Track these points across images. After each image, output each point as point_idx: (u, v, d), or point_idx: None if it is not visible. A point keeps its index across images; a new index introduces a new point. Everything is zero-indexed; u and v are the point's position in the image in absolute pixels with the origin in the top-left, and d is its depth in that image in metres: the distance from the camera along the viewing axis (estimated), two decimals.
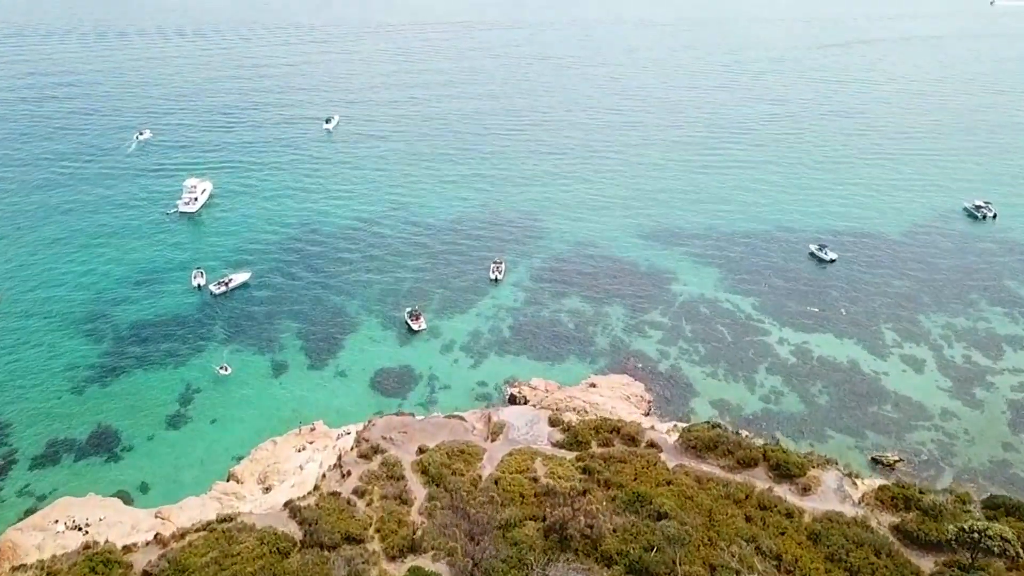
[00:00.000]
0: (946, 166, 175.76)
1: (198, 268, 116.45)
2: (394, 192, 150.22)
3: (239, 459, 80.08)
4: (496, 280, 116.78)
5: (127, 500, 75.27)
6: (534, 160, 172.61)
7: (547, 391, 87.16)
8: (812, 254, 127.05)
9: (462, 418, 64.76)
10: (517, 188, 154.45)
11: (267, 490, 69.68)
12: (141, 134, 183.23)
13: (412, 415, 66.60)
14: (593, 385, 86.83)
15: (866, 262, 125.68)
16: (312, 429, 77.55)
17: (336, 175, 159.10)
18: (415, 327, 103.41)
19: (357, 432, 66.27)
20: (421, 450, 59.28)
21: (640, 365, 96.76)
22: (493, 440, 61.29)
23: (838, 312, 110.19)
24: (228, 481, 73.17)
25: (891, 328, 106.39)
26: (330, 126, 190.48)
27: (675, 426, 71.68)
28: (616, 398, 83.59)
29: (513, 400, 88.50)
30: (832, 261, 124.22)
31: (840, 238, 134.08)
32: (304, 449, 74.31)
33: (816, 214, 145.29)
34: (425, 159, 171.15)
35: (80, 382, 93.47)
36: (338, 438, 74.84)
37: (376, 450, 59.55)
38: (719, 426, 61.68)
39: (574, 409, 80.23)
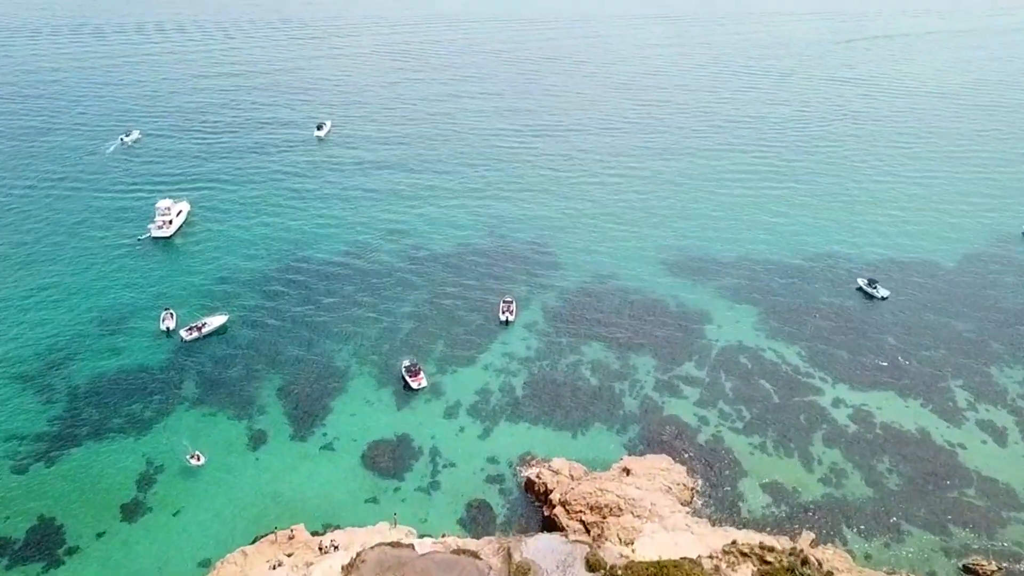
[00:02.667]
0: (1001, 181, 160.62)
1: (167, 309, 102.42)
2: (390, 213, 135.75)
3: (205, 564, 66.94)
4: (507, 322, 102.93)
5: None
6: (545, 173, 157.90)
7: (572, 478, 73.55)
8: (860, 289, 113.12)
9: (475, 554, 51.06)
10: (527, 207, 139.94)
11: None
12: (128, 135, 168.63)
13: (411, 547, 52.85)
14: (627, 471, 73.16)
15: (921, 300, 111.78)
16: (291, 537, 64.01)
17: (326, 194, 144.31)
18: (414, 385, 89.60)
19: (343, 569, 52.51)
20: None
21: (677, 437, 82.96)
22: None
23: (898, 365, 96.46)
24: None
25: (961, 385, 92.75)
26: (322, 133, 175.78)
27: (733, 545, 58.06)
28: (655, 490, 69.95)
29: (530, 486, 74.96)
30: (884, 299, 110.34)
31: (888, 268, 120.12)
32: (280, 565, 60.74)
33: (859, 237, 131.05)
34: (424, 171, 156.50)
35: (24, 458, 79.83)
36: (321, 551, 61.32)
37: None
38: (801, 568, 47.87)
39: (608, 508, 66.74)
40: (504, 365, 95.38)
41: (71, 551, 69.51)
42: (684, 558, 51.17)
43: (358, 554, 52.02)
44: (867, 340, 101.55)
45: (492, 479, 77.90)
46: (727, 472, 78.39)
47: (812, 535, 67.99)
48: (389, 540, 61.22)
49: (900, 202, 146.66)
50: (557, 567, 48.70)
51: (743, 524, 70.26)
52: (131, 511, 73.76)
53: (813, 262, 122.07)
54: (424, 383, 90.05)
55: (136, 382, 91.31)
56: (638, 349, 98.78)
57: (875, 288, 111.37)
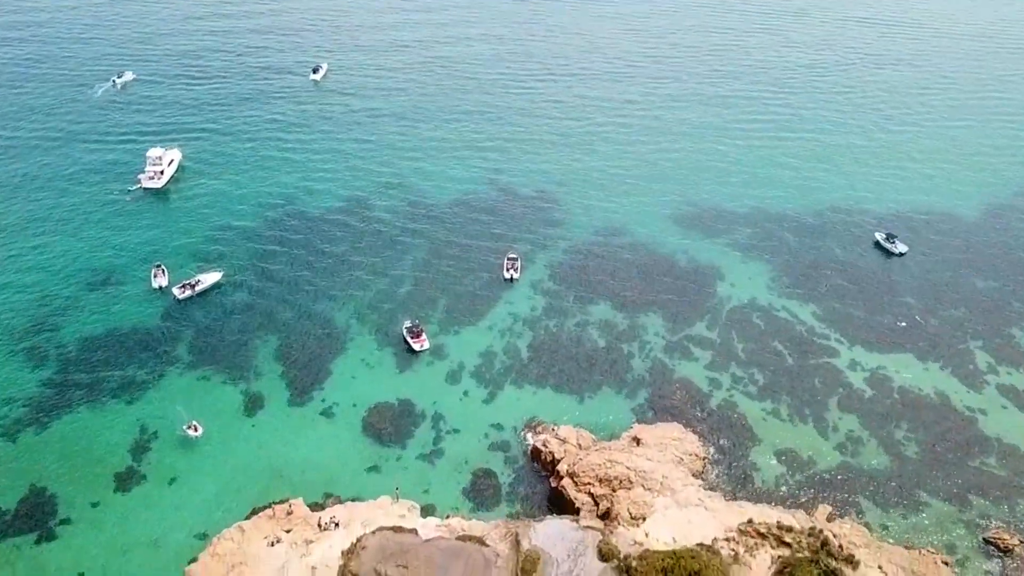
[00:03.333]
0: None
1: (158, 265, 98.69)
2: (390, 163, 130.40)
3: (202, 537, 64.87)
4: (511, 280, 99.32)
5: None
6: (548, 122, 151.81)
7: (580, 446, 70.99)
8: (878, 244, 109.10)
9: (481, 541, 48.50)
10: (530, 158, 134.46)
11: None
12: (120, 76, 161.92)
13: (414, 532, 50.28)
14: (637, 441, 70.53)
15: (941, 256, 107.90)
16: (289, 512, 61.65)
17: (323, 142, 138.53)
18: (416, 347, 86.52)
19: (343, 555, 50.02)
20: None
21: (688, 403, 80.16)
22: None
23: (917, 325, 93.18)
24: None
25: (982, 347, 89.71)
26: (318, 76, 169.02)
27: (749, 525, 55.56)
28: (667, 461, 67.38)
29: (537, 455, 72.49)
30: (902, 255, 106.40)
31: (907, 222, 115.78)
32: (278, 542, 58.55)
33: (877, 190, 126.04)
34: (424, 119, 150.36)
35: (13, 424, 77.31)
36: (320, 528, 59.00)
37: None
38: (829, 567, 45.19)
39: (618, 480, 64.24)
40: (508, 326, 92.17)
41: (64, 522, 67.51)
42: (701, 545, 48.67)
43: (359, 539, 49.54)
44: (884, 299, 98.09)
45: (497, 446, 75.43)
46: (740, 440, 75.83)
47: (829, 509, 65.70)
48: (391, 515, 58.98)
49: (920, 152, 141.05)
50: (568, 555, 46.20)
51: (758, 497, 67.93)
52: (125, 481, 71.59)
53: (829, 216, 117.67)
54: (426, 345, 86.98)
55: (128, 343, 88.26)
56: (647, 308, 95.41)
57: (893, 243, 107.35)
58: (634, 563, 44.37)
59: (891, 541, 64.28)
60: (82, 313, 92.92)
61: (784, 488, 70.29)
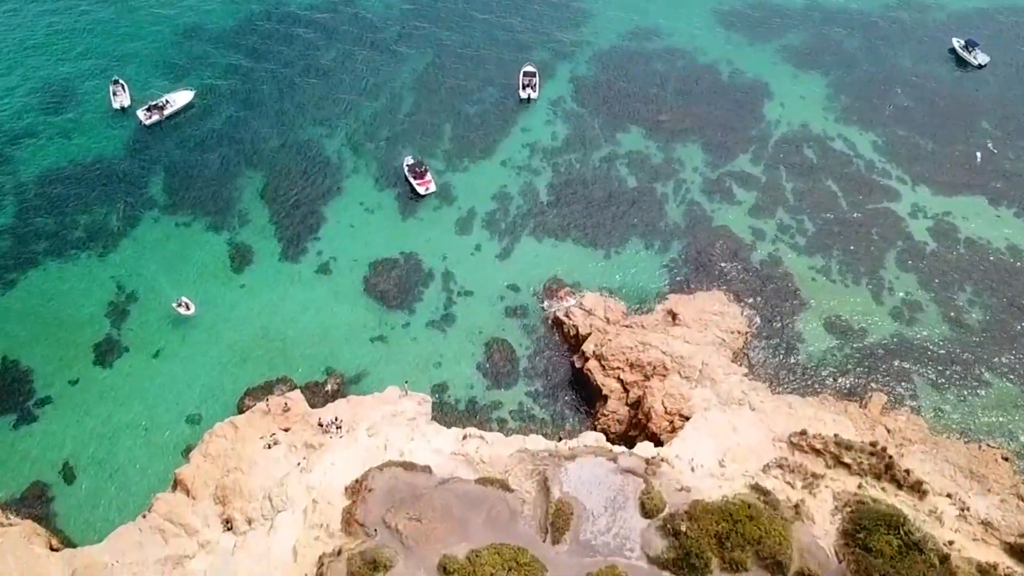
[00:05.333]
0: None
1: (117, 80, 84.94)
2: None
3: (193, 421, 59.74)
4: (528, 100, 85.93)
5: (43, 497, 56.18)
6: None
7: (608, 320, 63.34)
8: (954, 53, 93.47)
9: (504, 484, 42.15)
10: None
11: (228, 525, 49.74)
12: None
13: (428, 469, 43.78)
14: (673, 315, 62.62)
15: None
16: (286, 408, 55.50)
17: None
18: (421, 190, 75.96)
19: (347, 493, 44.00)
20: (446, 570, 37.74)
21: (728, 259, 71.13)
22: (556, 541, 39.50)
23: (991, 157, 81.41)
24: (175, 490, 52.96)
25: None
26: None
27: (803, 438, 49.29)
28: (708, 344, 60.03)
29: (559, 326, 65.09)
30: (981, 67, 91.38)
31: (992, 25, 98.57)
32: (276, 444, 53.06)
33: None
34: None
35: None
36: (322, 429, 53.19)
37: (375, 566, 37.88)
38: (904, 525, 38.94)
39: (652, 366, 57.44)
40: (525, 160, 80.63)
41: (42, 402, 61.83)
42: (755, 489, 42.31)
43: (365, 475, 43.25)
44: (956, 124, 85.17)
45: (514, 313, 67.78)
46: (785, 306, 67.80)
47: (883, 399, 59.36)
48: (398, 424, 52.83)
49: None
50: (605, 507, 40.03)
51: (806, 384, 61.38)
52: (106, 353, 64.96)
53: (898, 15, 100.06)
54: (432, 187, 76.29)
55: (93, 180, 77.80)
56: (684, 136, 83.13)
57: (972, 52, 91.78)
58: (683, 526, 38.22)
59: (948, 435, 58.58)
60: (36, 142, 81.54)
61: (833, 367, 63.35)
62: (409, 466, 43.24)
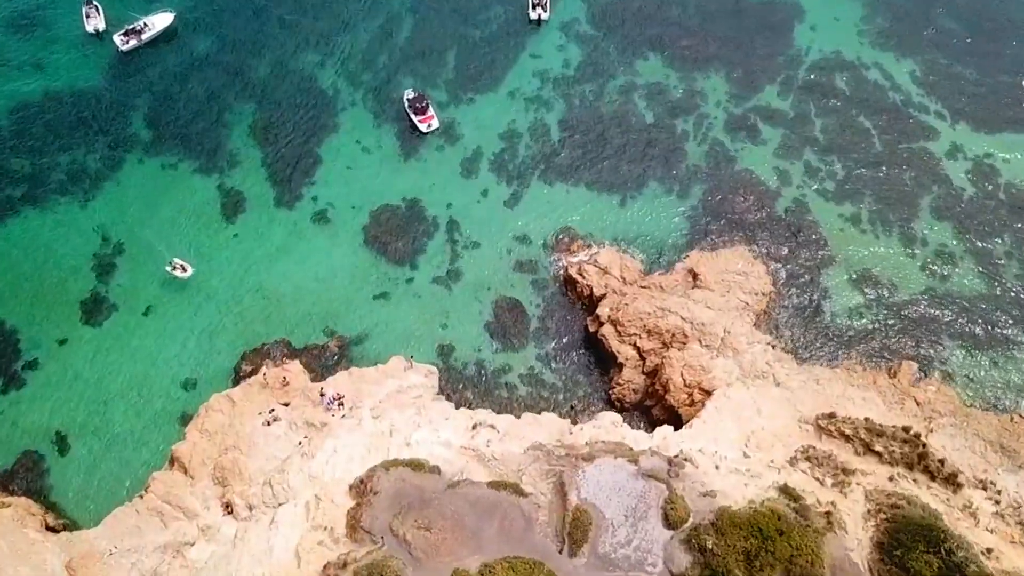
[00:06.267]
0: None
1: (90, 2, 77.76)
2: None
3: (190, 386, 57.23)
4: (538, 20, 78.96)
5: (37, 469, 54.36)
6: None
7: (624, 280, 59.72)
8: None
9: (518, 489, 39.62)
10: None
11: (228, 509, 47.90)
12: None
13: (437, 470, 41.16)
14: (694, 276, 58.84)
15: None
16: (284, 382, 52.78)
17: None
18: (423, 127, 70.58)
19: (352, 492, 41.59)
20: None
21: (752, 207, 66.63)
22: (573, 554, 37.38)
23: None
24: (172, 467, 50.98)
25: None
26: None
27: (831, 421, 46.69)
28: (730, 308, 56.60)
29: (571, 284, 61.45)
30: None
31: None
32: (276, 420, 50.56)
33: None
34: None
35: None
36: (324, 406, 50.60)
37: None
38: (945, 543, 36.63)
39: (670, 334, 54.35)
40: (535, 91, 74.73)
41: (30, 365, 59.16)
42: (784, 492, 39.90)
43: (371, 475, 40.76)
44: (1001, 49, 78.39)
45: (524, 267, 63.95)
46: (812, 260, 63.78)
47: (913, 367, 56.28)
48: (404, 402, 50.15)
49: None
50: (626, 517, 37.69)
51: (833, 352, 58.11)
52: (93, 307, 61.90)
53: None
54: (435, 124, 70.85)
55: (70, 116, 72.54)
56: (706, 65, 76.76)
57: None
58: (710, 542, 35.93)
59: (978, 405, 55.93)
60: (5, 71, 75.32)
61: (861, 330, 59.82)
62: (417, 466, 40.69)
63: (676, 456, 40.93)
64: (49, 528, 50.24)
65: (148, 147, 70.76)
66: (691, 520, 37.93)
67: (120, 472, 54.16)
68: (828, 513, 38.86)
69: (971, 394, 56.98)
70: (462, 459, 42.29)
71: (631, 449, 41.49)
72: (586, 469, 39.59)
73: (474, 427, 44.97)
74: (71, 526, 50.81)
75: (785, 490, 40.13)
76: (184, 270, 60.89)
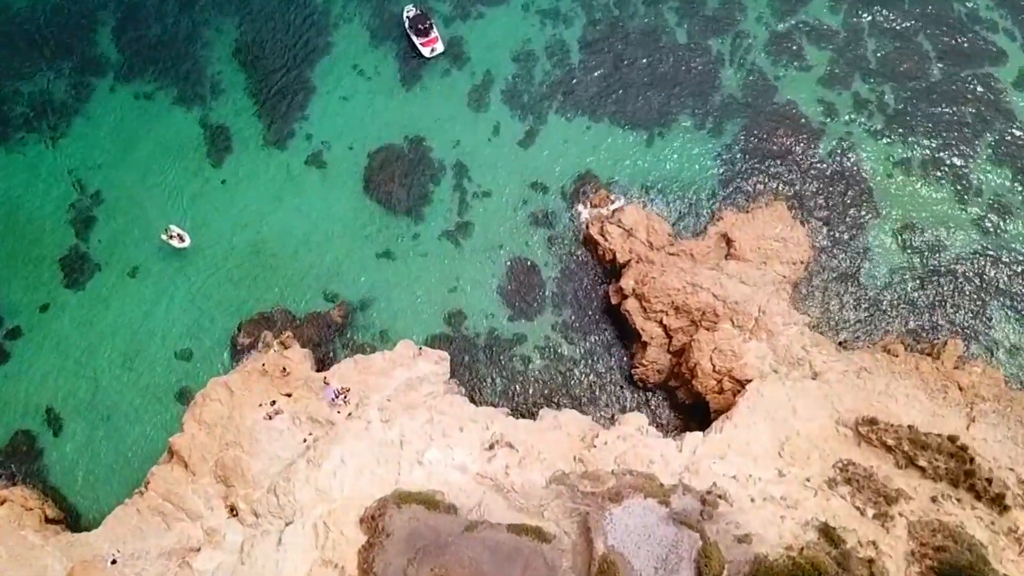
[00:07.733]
0: None
1: None
2: None
3: (185, 356, 54.11)
4: None
5: (31, 450, 52.24)
6: None
7: (650, 244, 54.64)
8: None
9: (542, 534, 36.96)
10: None
11: (232, 512, 45.93)
12: None
13: (453, 509, 38.31)
14: (728, 242, 53.74)
15: None
16: (285, 372, 49.16)
17: None
18: (426, 52, 62.61)
19: (362, 525, 39.05)
20: None
21: (791, 150, 60.06)
22: None
23: None
24: (171, 460, 48.56)
25: None
26: None
27: (872, 429, 43.68)
28: (766, 283, 52.01)
29: (592, 244, 56.46)
30: None
31: None
32: (276, 414, 47.81)
33: None
34: None
35: None
36: (328, 400, 47.52)
37: None
38: None
39: (700, 312, 50.40)
40: (552, 3, 65.82)
41: (13, 334, 55.79)
42: (823, 534, 37.42)
43: (383, 511, 38.08)
44: None
45: (540, 222, 58.47)
46: (855, 216, 58.09)
47: (959, 347, 52.27)
48: (415, 392, 46.88)
49: None
50: (655, 569, 35.30)
51: (872, 323, 53.83)
52: (74, 267, 57.48)
53: None
54: (439, 47, 62.81)
55: (30, 35, 64.75)
56: None
57: None
58: None
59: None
60: None
61: (905, 301, 54.93)
62: (431, 504, 37.93)
63: (709, 493, 38.06)
64: (49, 520, 48.56)
65: (119, 73, 63.36)
66: (725, 573, 35.59)
67: (118, 450, 52.12)
68: (871, 561, 36.49)
69: (1017, 369, 53.51)
70: (479, 489, 39.50)
71: (661, 486, 38.45)
72: (613, 512, 36.84)
73: (491, 447, 41.77)
74: (72, 516, 49.22)
75: (825, 531, 37.59)
76: (182, 240, 55.58)
